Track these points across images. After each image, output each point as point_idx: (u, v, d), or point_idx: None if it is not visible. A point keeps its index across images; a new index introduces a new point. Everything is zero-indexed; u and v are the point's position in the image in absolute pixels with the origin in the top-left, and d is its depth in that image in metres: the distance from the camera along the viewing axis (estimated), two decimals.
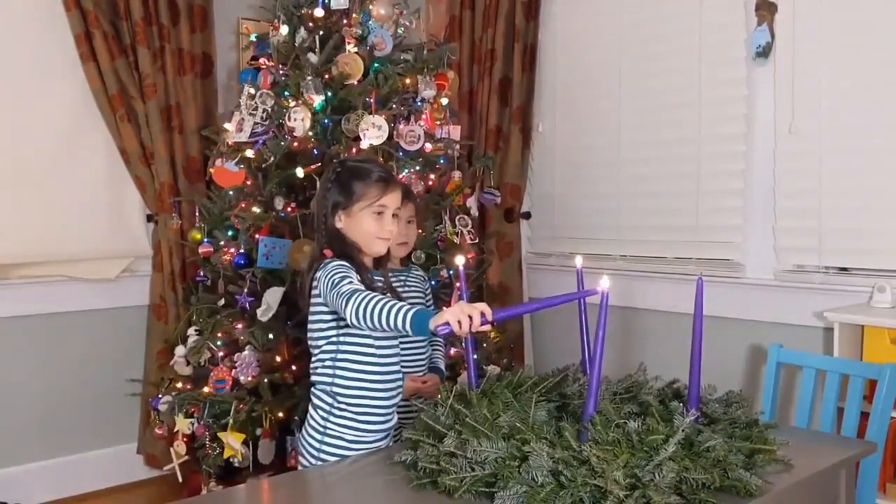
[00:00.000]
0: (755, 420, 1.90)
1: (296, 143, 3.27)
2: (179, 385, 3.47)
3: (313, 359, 2.21)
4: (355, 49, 3.38)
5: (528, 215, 4.16)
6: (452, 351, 3.36)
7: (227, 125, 3.47)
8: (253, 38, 3.71)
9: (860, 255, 3.08)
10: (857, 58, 3.04)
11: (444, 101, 3.60)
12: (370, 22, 3.46)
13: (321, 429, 2.17)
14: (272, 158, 3.30)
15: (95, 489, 3.77)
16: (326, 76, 3.35)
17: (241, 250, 3.35)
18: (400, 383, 2.25)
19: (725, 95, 3.43)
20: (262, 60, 3.50)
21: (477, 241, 3.72)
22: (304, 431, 2.23)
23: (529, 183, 4.16)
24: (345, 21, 3.43)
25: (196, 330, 3.53)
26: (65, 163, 3.66)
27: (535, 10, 3.97)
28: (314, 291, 2.15)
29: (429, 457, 1.75)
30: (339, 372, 2.16)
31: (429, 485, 1.71)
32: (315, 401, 2.20)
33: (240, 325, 3.28)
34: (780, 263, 3.29)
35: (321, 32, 3.43)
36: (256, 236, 3.28)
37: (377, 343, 2.16)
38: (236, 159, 3.39)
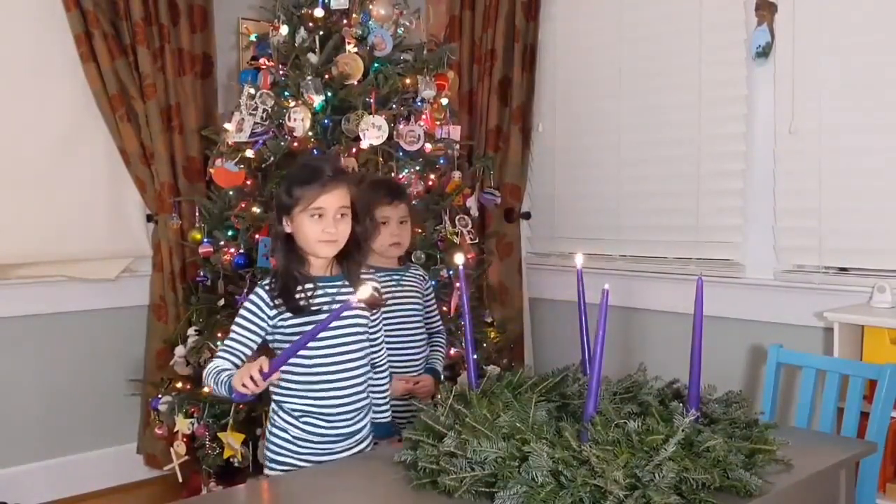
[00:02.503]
0: (755, 420, 1.90)
1: (296, 143, 3.27)
2: (179, 385, 3.48)
3: None
4: (355, 49, 3.38)
5: (528, 215, 4.16)
6: (452, 351, 3.37)
7: (227, 125, 3.47)
8: (253, 38, 3.70)
9: (860, 255, 3.08)
10: (857, 58, 3.04)
11: (444, 101, 3.60)
12: (370, 22, 3.46)
13: (272, 420, 2.20)
14: (272, 158, 3.30)
15: (95, 489, 3.77)
16: (326, 76, 3.35)
17: (241, 250, 3.35)
18: (349, 394, 2.18)
19: (725, 95, 3.43)
20: (262, 60, 3.50)
21: (477, 241, 3.72)
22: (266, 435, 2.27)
23: (529, 183, 4.16)
24: (345, 21, 3.43)
25: (196, 330, 3.53)
26: (65, 163, 3.66)
27: (535, 10, 3.98)
28: None
29: (429, 457, 1.74)
30: (281, 378, 2.15)
31: (429, 485, 1.71)
32: (271, 393, 2.22)
33: None
34: (780, 263, 3.29)
35: (321, 32, 3.43)
36: (256, 236, 3.28)
37: (304, 353, 2.11)
38: (236, 159, 3.38)
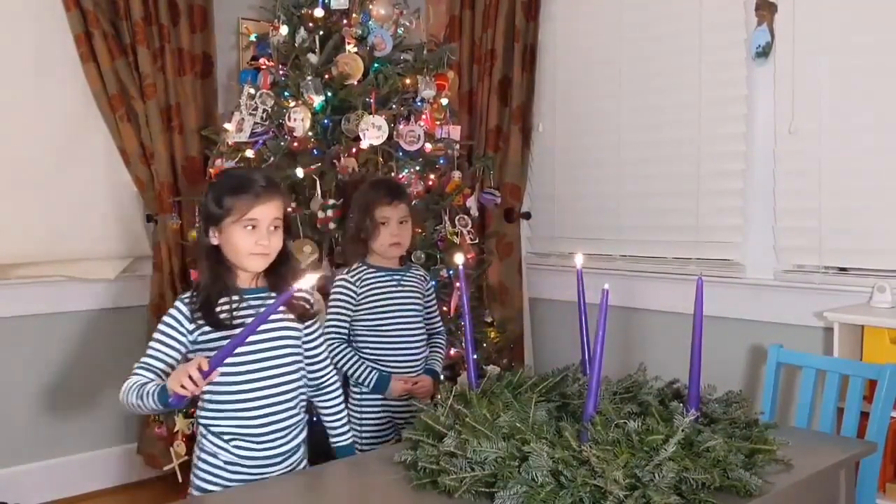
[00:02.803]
0: (755, 420, 1.90)
1: (296, 143, 3.27)
2: None
3: None
4: (355, 49, 3.38)
5: (528, 215, 4.16)
6: (452, 351, 3.37)
7: (227, 125, 3.47)
8: (253, 38, 3.71)
9: (860, 255, 3.08)
10: (857, 58, 3.04)
11: (444, 101, 3.60)
12: (370, 22, 3.46)
13: (199, 444, 2.09)
14: (272, 158, 3.30)
15: (95, 489, 3.77)
16: (326, 76, 3.35)
17: None
18: (280, 411, 2.06)
19: (725, 95, 3.43)
20: (262, 60, 3.51)
21: (477, 241, 3.72)
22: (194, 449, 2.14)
23: (529, 183, 4.16)
24: (345, 21, 3.43)
25: None
26: (65, 163, 3.66)
27: (535, 10, 3.98)
28: None
29: (429, 457, 1.74)
30: (203, 403, 2.06)
31: (429, 485, 1.71)
32: (197, 415, 2.11)
33: None
34: (780, 263, 3.29)
35: (321, 32, 3.43)
36: None
37: (230, 370, 1.99)
38: (236, 159, 3.39)
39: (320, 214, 3.20)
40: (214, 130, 3.73)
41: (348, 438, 2.28)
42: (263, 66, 3.48)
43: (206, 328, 2.02)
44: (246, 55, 3.99)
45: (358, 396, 2.80)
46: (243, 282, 2.08)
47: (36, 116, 3.58)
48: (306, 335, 2.17)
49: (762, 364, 3.09)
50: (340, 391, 2.28)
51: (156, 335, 2.03)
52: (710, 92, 3.46)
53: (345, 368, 2.72)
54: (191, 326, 2.02)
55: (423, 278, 2.90)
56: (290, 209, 3.21)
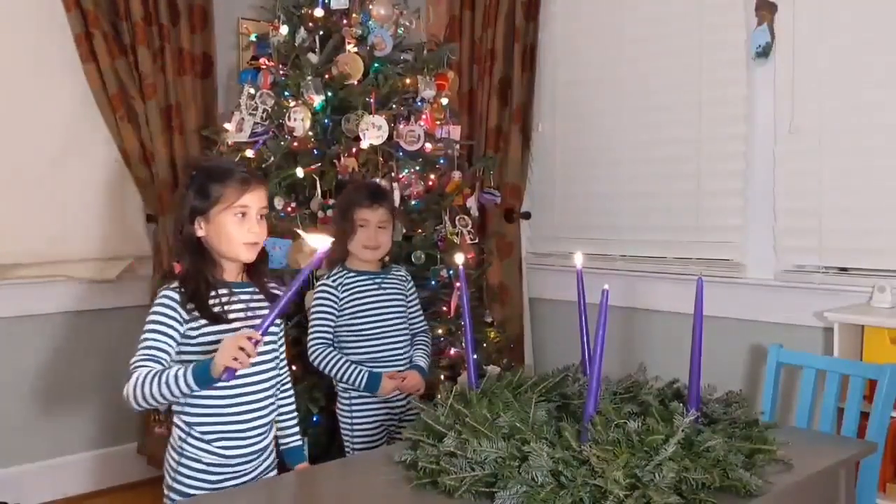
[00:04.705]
0: (755, 420, 1.90)
1: (296, 143, 3.27)
2: None
3: None
4: (355, 49, 3.38)
5: (528, 215, 4.16)
6: (452, 351, 3.37)
7: (227, 125, 3.47)
8: (253, 38, 3.71)
9: (860, 255, 3.08)
10: (857, 58, 3.04)
11: (444, 101, 3.60)
12: (370, 22, 3.46)
13: (178, 450, 2.04)
14: (272, 158, 3.30)
15: (95, 489, 3.77)
16: (326, 76, 3.35)
17: None
18: (265, 405, 2.07)
19: (725, 95, 3.43)
20: (262, 60, 3.51)
21: (477, 241, 3.72)
22: (167, 450, 2.09)
23: (529, 183, 4.15)
24: (345, 21, 3.43)
25: None
26: (65, 163, 3.66)
27: (535, 10, 3.97)
28: None
29: (429, 457, 1.75)
30: (189, 399, 1.99)
31: (429, 485, 1.71)
32: (175, 419, 2.04)
33: None
34: (780, 263, 3.29)
35: (321, 32, 3.43)
36: None
37: None
38: (236, 159, 3.38)
39: (320, 214, 3.21)
40: (214, 130, 3.73)
41: (300, 441, 2.25)
42: (263, 66, 3.48)
43: (201, 321, 1.97)
44: (246, 55, 3.99)
45: (348, 401, 2.79)
46: (230, 275, 2.05)
47: (36, 116, 3.58)
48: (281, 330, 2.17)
49: (762, 364, 3.09)
50: (293, 392, 2.27)
51: (152, 326, 1.95)
52: (710, 92, 3.46)
53: (333, 372, 2.72)
54: (186, 317, 1.96)
55: (404, 279, 2.90)
56: (290, 208, 3.24)
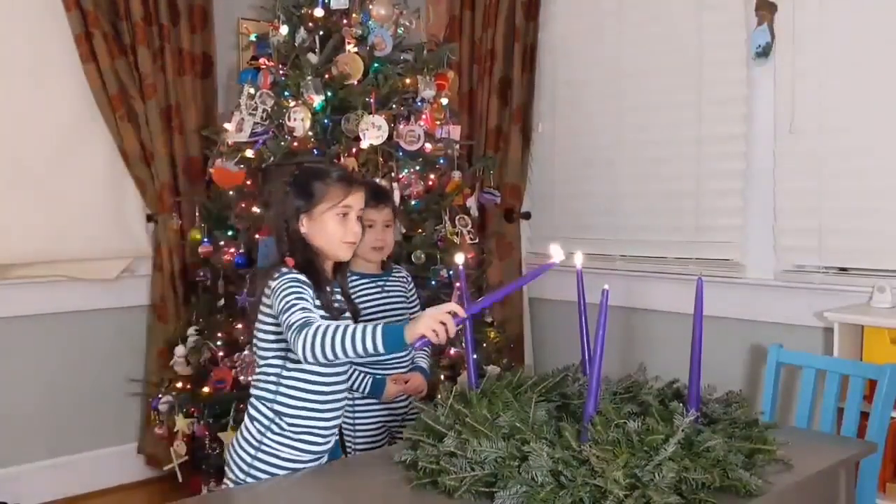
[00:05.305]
0: (755, 420, 1.90)
1: (296, 143, 3.27)
2: (179, 385, 3.48)
3: (257, 369, 2.08)
4: (355, 49, 3.38)
5: (528, 215, 4.16)
6: (452, 351, 3.36)
7: (227, 125, 3.47)
8: (253, 38, 3.71)
9: (860, 255, 3.08)
10: (857, 57, 3.04)
11: (444, 101, 3.60)
12: (370, 22, 3.47)
13: (256, 443, 2.05)
14: (272, 158, 3.30)
15: (95, 489, 3.77)
16: (326, 76, 3.36)
17: (241, 250, 3.35)
18: (344, 404, 2.14)
19: (725, 95, 3.43)
20: (262, 60, 3.51)
21: (477, 241, 3.72)
22: (235, 443, 2.08)
23: (529, 183, 4.15)
24: (345, 21, 3.43)
25: (196, 330, 3.53)
26: (65, 163, 3.66)
27: (535, 10, 3.98)
28: (266, 300, 2.00)
29: (429, 457, 1.75)
30: (283, 389, 2.03)
31: (429, 485, 1.71)
32: (253, 412, 2.06)
33: (240, 325, 3.28)
34: (780, 263, 3.29)
35: (321, 32, 3.43)
36: (256, 236, 3.28)
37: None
38: (236, 159, 3.39)
39: None
40: (214, 130, 3.74)
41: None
42: (263, 66, 3.48)
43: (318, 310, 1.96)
44: (246, 55, 3.99)
45: (351, 403, 2.79)
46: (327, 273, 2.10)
47: (36, 116, 3.57)
48: None
49: (762, 364, 3.09)
50: None
51: (298, 294, 1.92)
52: (710, 92, 3.46)
53: None
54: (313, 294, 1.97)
55: (405, 280, 2.87)
56: None
